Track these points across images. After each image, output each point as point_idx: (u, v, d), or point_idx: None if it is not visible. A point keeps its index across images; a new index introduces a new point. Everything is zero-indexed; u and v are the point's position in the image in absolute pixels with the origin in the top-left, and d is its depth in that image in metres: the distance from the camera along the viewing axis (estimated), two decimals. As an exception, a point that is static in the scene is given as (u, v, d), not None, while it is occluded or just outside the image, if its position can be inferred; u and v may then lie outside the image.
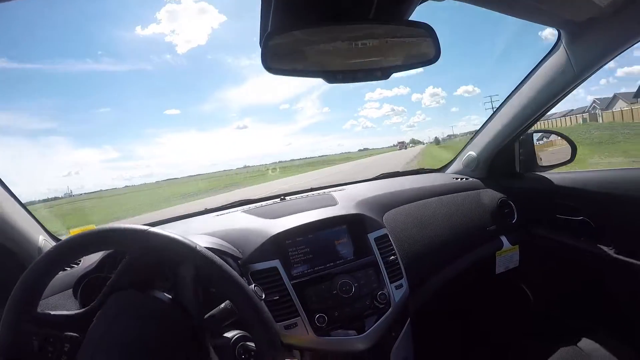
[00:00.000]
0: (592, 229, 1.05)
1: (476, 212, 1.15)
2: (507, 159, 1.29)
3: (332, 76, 0.60)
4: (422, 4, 0.74)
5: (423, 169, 1.49)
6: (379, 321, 0.86)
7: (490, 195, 1.20)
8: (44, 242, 0.90)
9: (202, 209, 1.20)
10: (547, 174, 1.23)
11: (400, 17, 0.71)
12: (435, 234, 1.06)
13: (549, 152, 1.32)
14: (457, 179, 1.32)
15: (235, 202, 1.23)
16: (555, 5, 0.80)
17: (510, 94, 1.16)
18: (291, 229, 0.90)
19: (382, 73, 0.64)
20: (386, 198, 1.11)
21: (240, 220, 1.01)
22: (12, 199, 0.83)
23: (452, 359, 1.26)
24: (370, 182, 1.43)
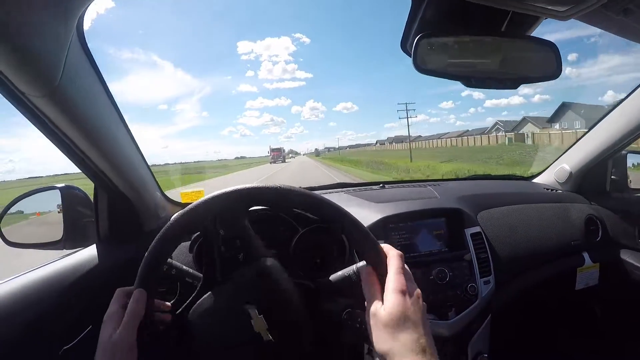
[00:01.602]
0: None
1: (563, 224, 1.16)
2: (598, 176, 1.28)
3: (468, 81, 0.66)
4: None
5: (514, 175, 1.51)
6: (465, 311, 0.91)
7: (578, 210, 1.21)
8: (160, 199, 1.01)
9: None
10: (636, 197, 1.22)
11: (526, 31, 0.76)
12: (523, 239, 1.09)
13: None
14: (547, 189, 1.34)
15: (336, 184, 1.31)
16: None
17: (609, 110, 1.16)
18: (396, 214, 0.97)
19: (512, 83, 0.69)
20: (482, 198, 1.16)
21: (346, 201, 1.07)
22: (141, 157, 0.91)
23: (524, 357, 1.29)
24: (462, 181, 1.49)
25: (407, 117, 37.85)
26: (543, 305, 1.32)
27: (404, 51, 0.71)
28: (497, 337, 1.00)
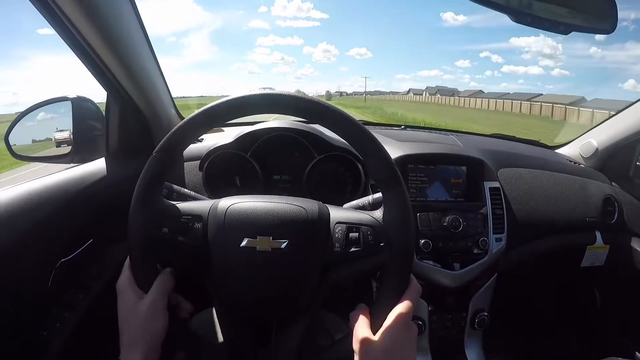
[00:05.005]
0: None
1: (581, 198, 1.13)
2: (624, 159, 1.24)
3: (522, 16, 0.62)
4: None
5: (538, 141, 1.47)
6: (473, 264, 0.90)
7: (598, 188, 1.18)
8: (174, 116, 0.99)
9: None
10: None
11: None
12: (539, 205, 1.06)
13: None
14: (570, 161, 1.30)
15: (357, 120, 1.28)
16: None
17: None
18: (417, 154, 0.93)
19: (565, 28, 0.64)
20: (505, 155, 1.12)
21: None
22: (159, 71, 0.89)
23: (520, 325, 1.32)
24: (485, 137, 1.44)
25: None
26: (546, 277, 1.32)
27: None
28: (499, 298, 0.99)
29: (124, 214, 0.51)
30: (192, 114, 0.51)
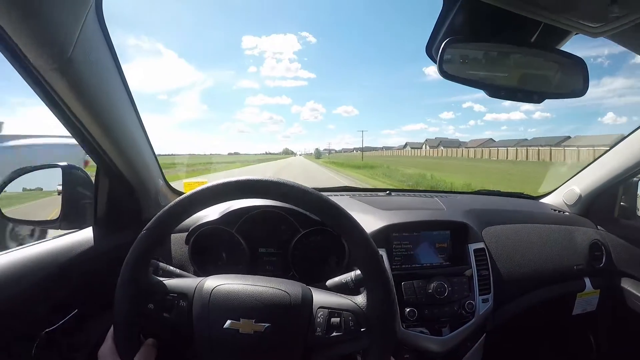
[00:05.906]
0: None
1: (568, 247, 1.14)
2: (608, 202, 1.26)
3: (496, 91, 0.64)
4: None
5: (522, 193, 1.49)
6: (460, 328, 0.90)
7: (584, 234, 1.19)
8: (162, 186, 0.99)
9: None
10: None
11: (554, 45, 0.74)
12: (526, 260, 1.07)
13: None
14: (555, 210, 1.32)
15: (341, 187, 1.30)
16: None
17: (625, 136, 1.13)
18: (400, 223, 0.95)
19: (538, 97, 0.67)
20: (489, 214, 1.14)
21: (350, 205, 1.05)
22: (148, 142, 0.89)
23: None
24: (469, 194, 1.47)
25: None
26: (538, 328, 1.30)
27: (429, 55, 0.69)
28: (489, 356, 0.98)
29: (110, 284, 0.52)
30: (183, 196, 0.52)
